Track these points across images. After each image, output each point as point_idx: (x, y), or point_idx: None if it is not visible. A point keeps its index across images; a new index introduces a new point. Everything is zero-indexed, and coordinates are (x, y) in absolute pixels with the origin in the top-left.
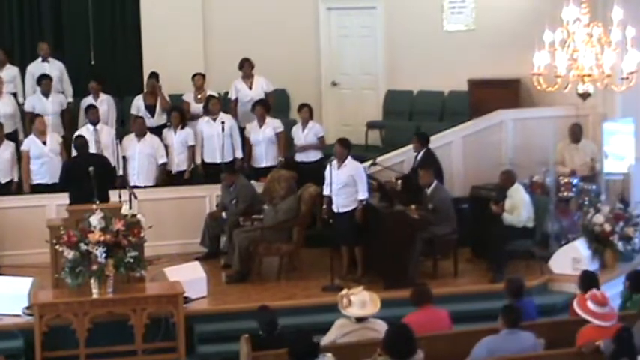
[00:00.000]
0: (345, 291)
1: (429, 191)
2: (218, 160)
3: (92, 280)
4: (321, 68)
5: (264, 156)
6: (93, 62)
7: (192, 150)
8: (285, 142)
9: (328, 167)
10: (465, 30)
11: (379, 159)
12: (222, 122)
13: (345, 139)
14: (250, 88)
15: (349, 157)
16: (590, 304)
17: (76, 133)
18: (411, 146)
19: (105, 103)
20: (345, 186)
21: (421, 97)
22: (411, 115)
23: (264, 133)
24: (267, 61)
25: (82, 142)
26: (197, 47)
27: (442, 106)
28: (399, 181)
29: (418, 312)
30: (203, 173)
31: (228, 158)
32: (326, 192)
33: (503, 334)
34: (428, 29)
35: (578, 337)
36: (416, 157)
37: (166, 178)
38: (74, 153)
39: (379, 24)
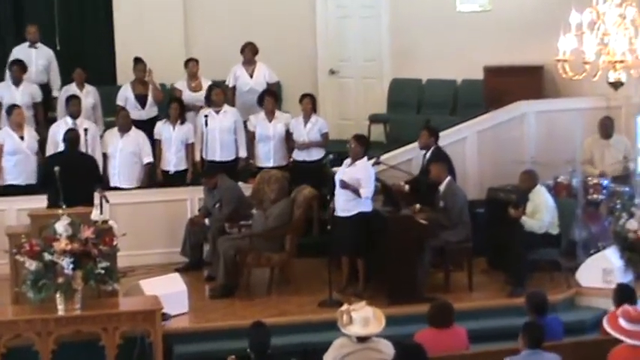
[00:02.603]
0: (345, 307)
1: (441, 188)
2: (218, 158)
3: (57, 295)
4: (318, 54)
5: (273, 154)
6: (58, 47)
7: (191, 148)
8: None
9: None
10: (480, 11)
11: (383, 157)
12: (206, 116)
13: (362, 135)
14: (251, 76)
15: (365, 159)
16: (621, 322)
17: (52, 126)
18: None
19: (91, 96)
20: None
21: (431, 86)
22: (420, 108)
23: (275, 129)
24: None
25: (74, 137)
26: (177, 31)
27: (454, 97)
28: (407, 186)
29: (432, 329)
30: (201, 169)
31: (230, 157)
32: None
33: (524, 355)
34: (439, 10)
35: (610, 359)
36: (424, 155)
37: (163, 178)
38: (49, 150)
39: (384, 3)
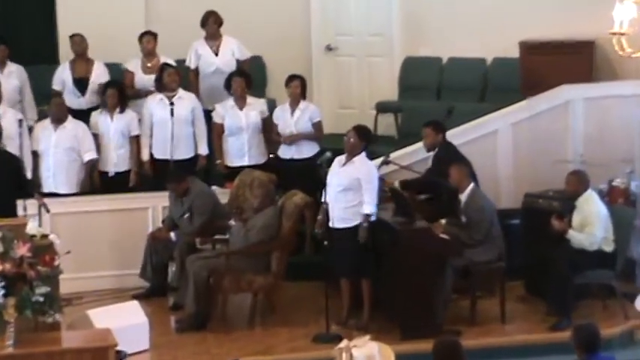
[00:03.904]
0: (345, 342)
1: (463, 198)
2: (170, 156)
3: None
4: (311, 27)
5: (247, 150)
6: None
7: (136, 142)
8: (271, 131)
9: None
10: None
11: (393, 155)
12: (172, 103)
13: (363, 127)
14: (216, 53)
15: (363, 154)
16: None
17: None
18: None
19: (15, 77)
20: (346, 190)
21: (454, 66)
22: (439, 93)
23: (247, 118)
24: (234, 18)
25: None
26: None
27: (483, 80)
28: (396, 183)
29: None
30: (151, 174)
31: (188, 154)
32: (325, 197)
33: None
34: None
35: None
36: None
37: (100, 182)
38: None
39: None
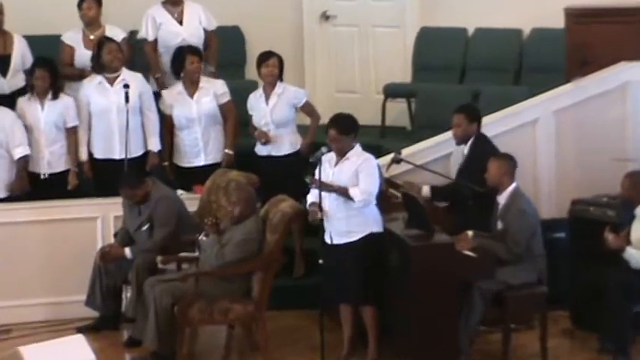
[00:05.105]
0: None
1: (501, 200)
2: (118, 155)
3: None
4: None
5: (202, 147)
6: None
7: (74, 134)
8: (234, 120)
9: (319, 166)
10: None
11: (405, 151)
12: (126, 86)
13: (344, 116)
14: (180, 22)
15: (356, 147)
16: None
17: None
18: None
19: None
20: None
21: (482, 40)
22: (464, 73)
23: (199, 106)
24: None
25: None
26: None
27: (519, 57)
28: (426, 188)
29: None
30: (91, 176)
31: (137, 151)
32: (312, 197)
33: None
34: None
35: None
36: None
37: (31, 185)
38: None
39: None
